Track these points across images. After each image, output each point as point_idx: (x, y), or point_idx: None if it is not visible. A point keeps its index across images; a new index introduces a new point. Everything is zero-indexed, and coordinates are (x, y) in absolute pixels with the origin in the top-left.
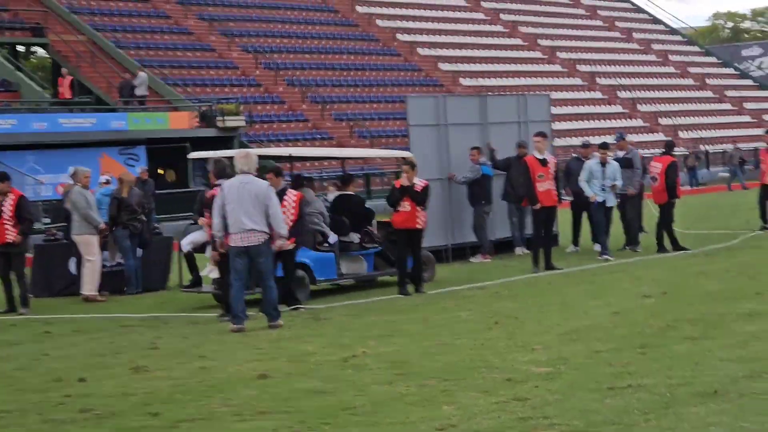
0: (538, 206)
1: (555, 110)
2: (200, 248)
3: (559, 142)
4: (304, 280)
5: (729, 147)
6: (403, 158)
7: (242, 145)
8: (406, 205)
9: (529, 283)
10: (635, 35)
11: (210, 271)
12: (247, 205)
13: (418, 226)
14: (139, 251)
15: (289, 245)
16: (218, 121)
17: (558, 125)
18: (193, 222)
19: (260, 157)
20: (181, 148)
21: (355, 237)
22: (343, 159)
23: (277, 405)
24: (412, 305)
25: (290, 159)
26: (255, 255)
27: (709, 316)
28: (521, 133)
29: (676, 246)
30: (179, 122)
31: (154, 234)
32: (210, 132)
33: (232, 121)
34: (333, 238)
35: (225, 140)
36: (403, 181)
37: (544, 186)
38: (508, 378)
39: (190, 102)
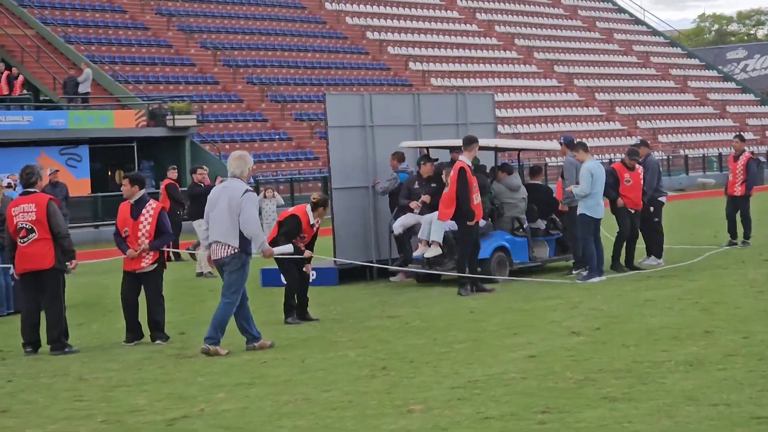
0: (473, 222)
1: (530, 112)
2: (409, 230)
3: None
4: (504, 261)
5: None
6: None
7: (193, 146)
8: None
9: (449, 310)
10: (616, 36)
11: (427, 251)
12: (221, 214)
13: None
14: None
15: (271, 254)
16: (168, 120)
17: (534, 128)
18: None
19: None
20: (128, 148)
21: (542, 224)
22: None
23: None
24: (299, 338)
25: (495, 149)
26: (220, 269)
27: (642, 364)
28: (460, 137)
29: (629, 263)
30: (124, 121)
31: None
32: (158, 131)
33: (182, 120)
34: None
35: (175, 140)
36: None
37: (479, 198)
38: None
39: (140, 99)
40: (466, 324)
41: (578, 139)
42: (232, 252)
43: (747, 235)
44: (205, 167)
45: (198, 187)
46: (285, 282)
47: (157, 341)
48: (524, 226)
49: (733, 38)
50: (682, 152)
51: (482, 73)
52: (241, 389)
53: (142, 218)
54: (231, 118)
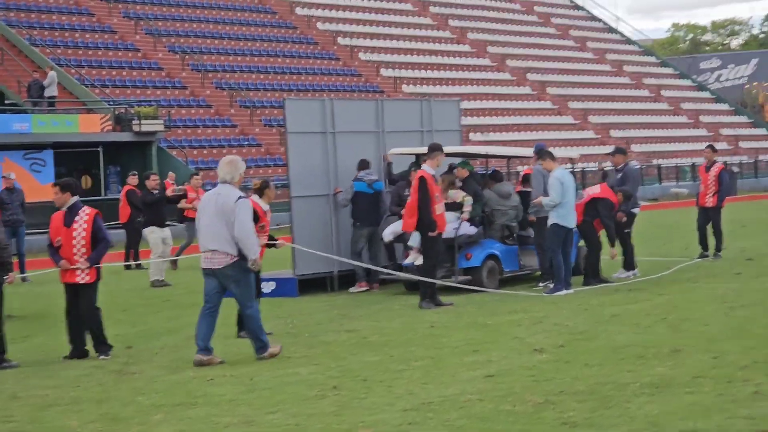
0: (435, 233)
1: (503, 120)
2: (399, 237)
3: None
4: (495, 269)
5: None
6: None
7: (160, 152)
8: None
9: (408, 325)
10: (590, 44)
11: (415, 259)
12: (213, 221)
13: None
14: None
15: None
16: (134, 125)
17: (506, 135)
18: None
19: (455, 155)
20: (93, 153)
21: (531, 231)
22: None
23: None
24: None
25: (486, 157)
26: (223, 280)
27: (605, 386)
28: (425, 144)
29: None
30: (90, 125)
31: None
32: (124, 136)
33: (149, 125)
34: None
35: (141, 145)
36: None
37: (441, 208)
38: None
39: (106, 104)
40: (425, 339)
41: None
42: (232, 260)
43: (719, 248)
44: (156, 174)
45: (151, 195)
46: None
47: (101, 356)
48: (514, 234)
49: (707, 48)
50: (655, 162)
51: (455, 80)
52: (180, 410)
53: (75, 225)
54: (199, 124)
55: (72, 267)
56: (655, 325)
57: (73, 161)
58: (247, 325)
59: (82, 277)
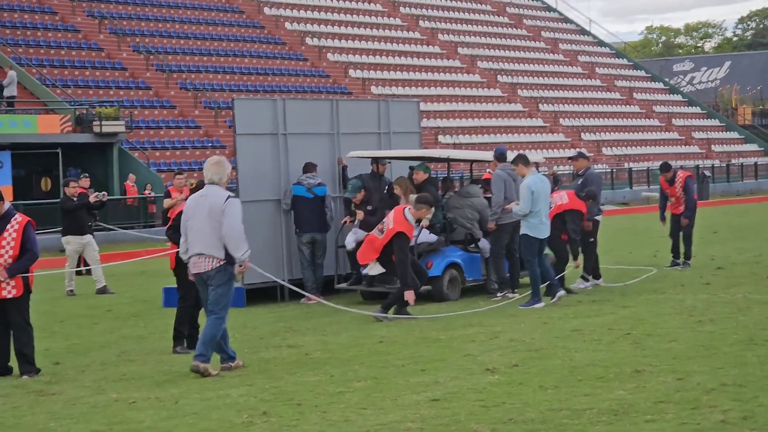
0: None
1: (473, 122)
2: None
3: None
4: (456, 279)
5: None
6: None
7: (121, 153)
8: None
9: (356, 339)
10: (561, 46)
11: (371, 269)
12: (202, 224)
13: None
14: None
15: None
16: (95, 126)
17: (475, 138)
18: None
19: (417, 159)
20: (53, 154)
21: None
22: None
23: None
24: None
25: (447, 161)
26: (208, 282)
27: (559, 413)
28: (382, 146)
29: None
30: (49, 126)
31: None
32: (85, 137)
33: (110, 126)
34: (484, 242)
35: (102, 147)
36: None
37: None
38: None
39: (68, 104)
40: (371, 357)
41: (520, 152)
42: (218, 264)
43: (688, 256)
44: (76, 181)
45: (70, 202)
46: (178, 305)
47: (24, 375)
48: (477, 240)
49: (680, 50)
50: (626, 165)
51: (424, 81)
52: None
53: (6, 234)
54: (163, 125)
55: None
56: (618, 342)
57: (32, 163)
58: (208, 329)
59: (8, 290)
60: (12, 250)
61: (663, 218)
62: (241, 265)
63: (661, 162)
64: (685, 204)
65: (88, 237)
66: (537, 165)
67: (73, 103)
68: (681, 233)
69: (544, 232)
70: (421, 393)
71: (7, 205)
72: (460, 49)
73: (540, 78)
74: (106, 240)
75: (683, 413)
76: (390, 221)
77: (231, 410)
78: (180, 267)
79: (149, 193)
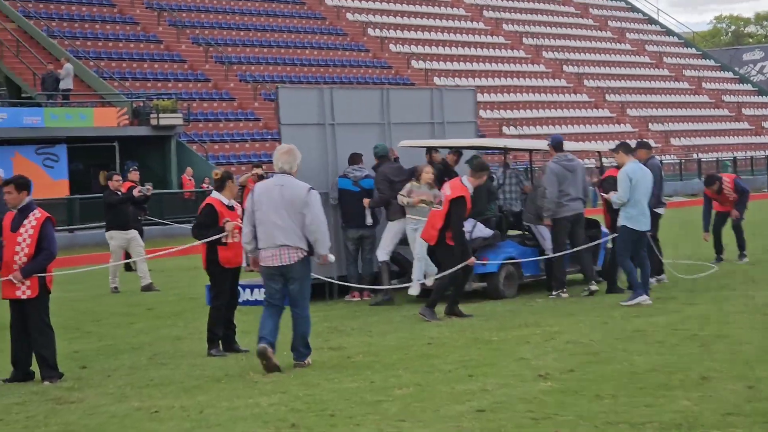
0: (473, 262)
1: (538, 113)
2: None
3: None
4: (513, 275)
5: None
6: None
7: (179, 146)
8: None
9: (403, 341)
10: (628, 36)
11: (412, 289)
12: (280, 214)
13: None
14: None
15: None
16: (152, 119)
17: (540, 129)
18: None
19: (472, 148)
20: (109, 148)
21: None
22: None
23: None
24: (213, 377)
25: (504, 150)
26: (287, 276)
27: (616, 426)
28: (435, 136)
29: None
30: (105, 119)
31: None
32: (142, 130)
33: (167, 119)
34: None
35: (159, 140)
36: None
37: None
38: None
39: (125, 97)
40: (417, 361)
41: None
42: (301, 256)
43: (742, 247)
44: (119, 174)
45: (114, 196)
46: (210, 304)
47: (46, 381)
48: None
49: (750, 40)
50: (695, 156)
51: (488, 72)
52: None
53: (22, 230)
54: (221, 117)
55: (6, 279)
56: (683, 344)
57: (88, 156)
58: (302, 327)
59: (23, 291)
60: (28, 248)
61: (707, 230)
62: (319, 259)
63: (705, 176)
64: (738, 199)
65: (133, 232)
66: (600, 154)
67: (130, 96)
68: (724, 227)
69: (644, 224)
70: (466, 403)
71: (27, 198)
72: (525, 39)
73: (606, 68)
74: (162, 234)
75: (755, 428)
76: (447, 189)
77: (257, 422)
78: (212, 265)
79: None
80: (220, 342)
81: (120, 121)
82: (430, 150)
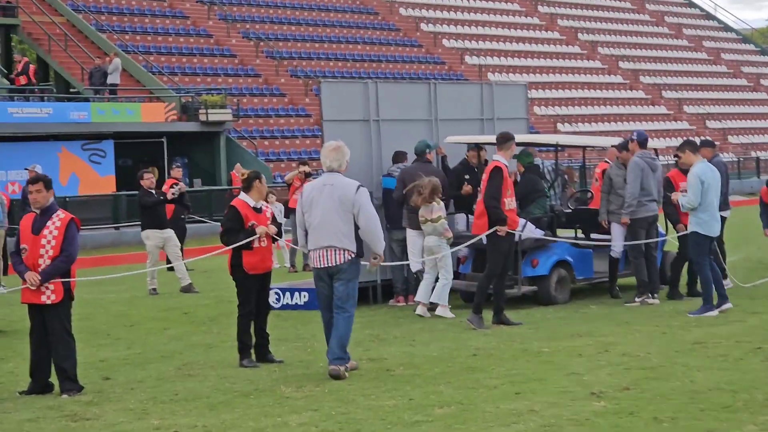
0: (504, 231)
1: (593, 110)
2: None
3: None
4: (565, 279)
5: None
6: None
7: (229, 142)
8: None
9: (447, 352)
10: (685, 32)
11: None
12: (329, 215)
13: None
14: None
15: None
16: (201, 114)
17: (595, 126)
18: None
19: (523, 144)
20: (157, 143)
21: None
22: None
23: None
24: (242, 392)
25: (556, 147)
26: (335, 277)
27: None
28: (485, 133)
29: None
30: (153, 114)
31: None
32: (190, 126)
33: (216, 115)
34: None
35: (209, 136)
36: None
37: (512, 204)
38: None
39: (173, 92)
40: (460, 375)
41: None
42: (350, 257)
43: None
44: (151, 172)
45: (147, 197)
46: (238, 312)
47: (64, 394)
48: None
49: None
50: (753, 154)
51: (542, 68)
52: None
53: (45, 232)
54: (272, 113)
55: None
56: (747, 358)
57: (136, 152)
58: (341, 329)
59: (47, 296)
60: (53, 250)
61: None
62: (375, 258)
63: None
64: None
65: (169, 231)
66: (656, 151)
67: (179, 91)
68: None
69: (715, 228)
70: (512, 425)
71: (50, 198)
72: (580, 35)
73: (663, 64)
74: (210, 232)
75: None
76: (485, 174)
77: None
78: (236, 271)
79: None
80: (253, 352)
81: (168, 117)
82: (477, 146)
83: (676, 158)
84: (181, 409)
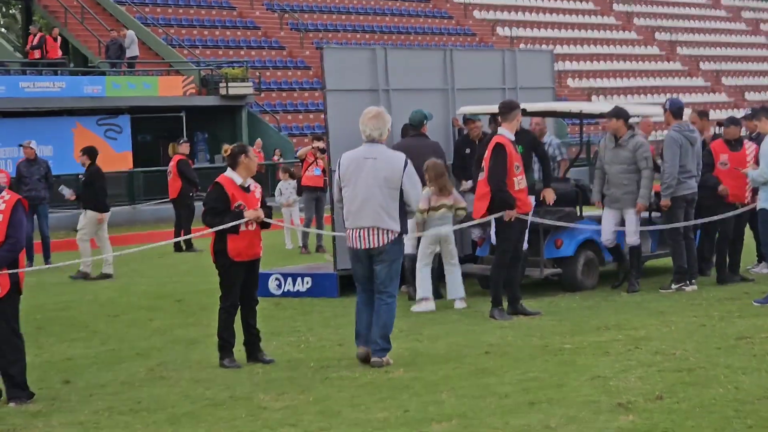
0: (512, 216)
1: (628, 82)
2: None
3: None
4: (593, 261)
5: None
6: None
7: (251, 117)
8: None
9: (457, 349)
10: (723, 2)
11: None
12: (372, 192)
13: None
14: None
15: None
16: (221, 88)
17: (631, 99)
18: None
19: (544, 113)
20: (176, 118)
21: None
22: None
23: None
24: (216, 400)
25: (580, 116)
26: (376, 259)
27: None
28: None
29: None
30: (170, 88)
31: None
32: (210, 100)
33: (237, 88)
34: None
35: (230, 110)
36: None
37: (522, 183)
38: None
39: (192, 65)
40: (468, 379)
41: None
42: (393, 237)
43: None
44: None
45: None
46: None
47: (11, 402)
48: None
49: None
50: None
51: (575, 39)
52: None
53: None
54: (296, 86)
55: None
56: None
57: (154, 127)
58: (384, 315)
59: None
60: None
61: None
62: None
63: None
64: None
65: None
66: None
67: (198, 64)
68: None
69: None
70: None
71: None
72: (615, 5)
73: (700, 35)
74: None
75: None
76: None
77: None
78: (220, 257)
79: (277, 159)
80: (244, 350)
81: (186, 90)
82: (494, 119)
83: (719, 128)
84: (138, 423)
